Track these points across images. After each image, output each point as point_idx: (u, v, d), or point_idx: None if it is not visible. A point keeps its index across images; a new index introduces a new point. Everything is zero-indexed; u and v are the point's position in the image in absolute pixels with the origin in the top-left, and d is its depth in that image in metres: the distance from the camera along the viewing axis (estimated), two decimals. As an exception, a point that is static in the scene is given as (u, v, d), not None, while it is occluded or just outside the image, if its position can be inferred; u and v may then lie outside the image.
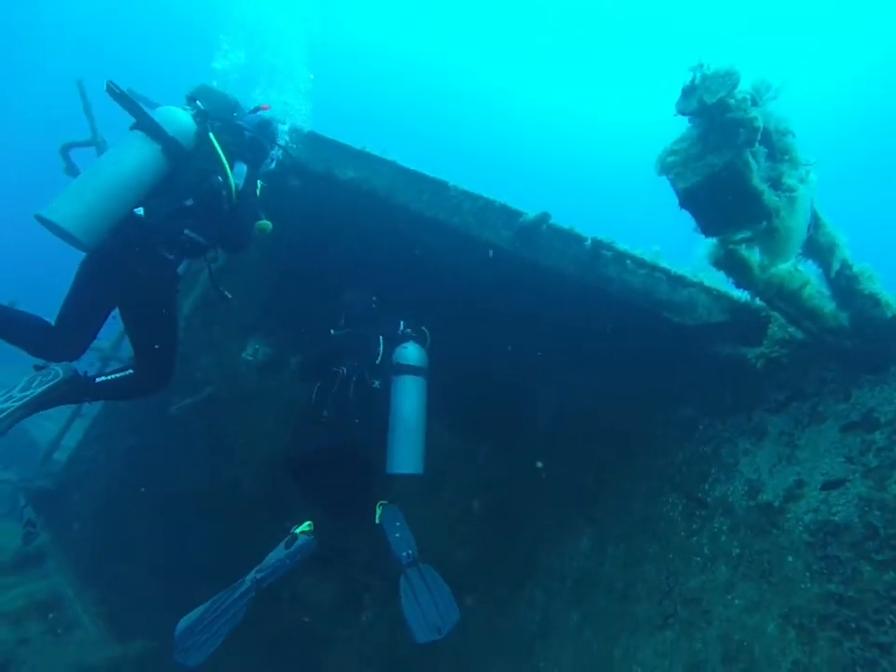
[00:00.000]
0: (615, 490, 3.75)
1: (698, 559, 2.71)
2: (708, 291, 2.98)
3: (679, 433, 3.43)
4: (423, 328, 4.09)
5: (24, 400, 2.57)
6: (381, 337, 3.96)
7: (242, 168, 3.30)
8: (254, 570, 3.29)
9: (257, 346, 3.94)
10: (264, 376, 4.46)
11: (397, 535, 3.70)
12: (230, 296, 3.53)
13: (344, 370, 3.71)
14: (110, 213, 2.69)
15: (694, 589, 2.60)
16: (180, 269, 3.18)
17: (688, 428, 3.36)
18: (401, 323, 4.10)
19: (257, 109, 3.59)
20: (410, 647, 4.73)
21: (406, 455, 3.69)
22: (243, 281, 4.43)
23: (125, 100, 2.88)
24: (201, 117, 3.13)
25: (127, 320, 3.10)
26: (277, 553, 3.39)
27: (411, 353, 3.90)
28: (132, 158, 2.81)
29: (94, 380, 3.00)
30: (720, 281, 3.00)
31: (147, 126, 2.87)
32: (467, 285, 3.75)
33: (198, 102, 3.20)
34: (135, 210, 2.81)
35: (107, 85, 2.85)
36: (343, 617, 4.61)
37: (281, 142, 3.74)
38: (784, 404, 2.75)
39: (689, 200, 1.74)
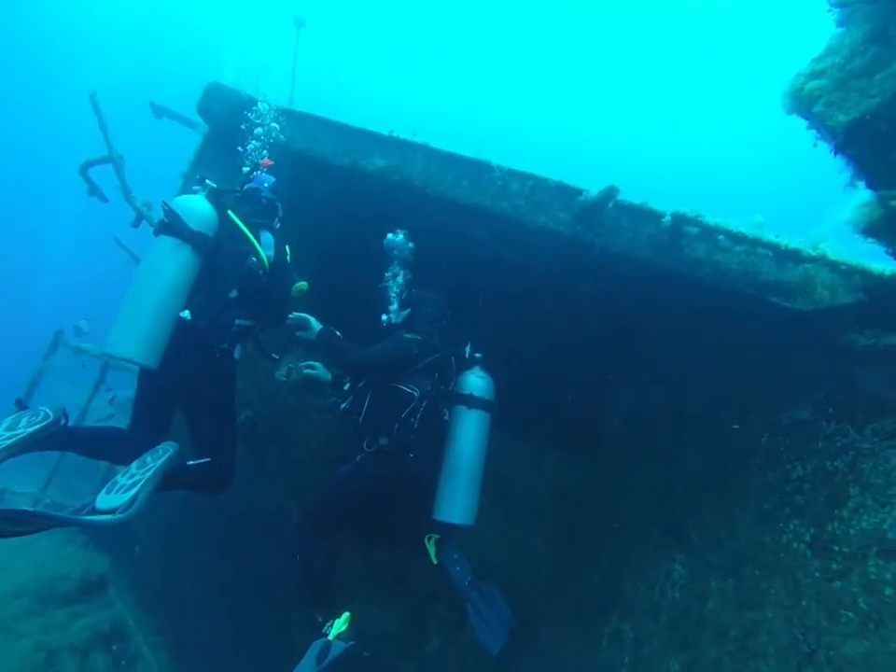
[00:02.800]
0: (711, 508, 3.16)
1: (851, 615, 2.11)
2: (833, 266, 2.33)
3: (794, 441, 2.80)
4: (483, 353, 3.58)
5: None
6: (453, 357, 3.46)
7: (268, 238, 3.12)
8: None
9: (290, 365, 3.58)
10: (304, 394, 4.12)
11: (457, 568, 3.29)
12: (277, 357, 3.37)
13: (417, 391, 3.18)
14: (163, 328, 2.71)
15: (856, 659, 2.01)
16: (237, 354, 3.09)
17: (807, 436, 2.72)
18: (468, 344, 3.56)
19: (255, 168, 3.33)
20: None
21: (460, 503, 3.22)
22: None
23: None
24: (214, 196, 2.95)
25: (194, 416, 2.99)
26: (307, 666, 2.71)
27: (482, 383, 3.39)
28: (168, 268, 2.74)
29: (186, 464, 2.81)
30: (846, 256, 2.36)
31: (172, 229, 2.77)
32: (522, 278, 3.24)
33: (207, 181, 2.99)
34: (181, 314, 2.74)
35: (151, 105, 2.72)
36: (408, 647, 4.25)
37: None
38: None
39: (853, 138, 1.16)
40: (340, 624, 2.88)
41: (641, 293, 3.01)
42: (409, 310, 3.48)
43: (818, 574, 2.36)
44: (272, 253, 3.05)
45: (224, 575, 5.17)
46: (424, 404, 3.18)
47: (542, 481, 4.31)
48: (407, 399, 3.15)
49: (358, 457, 3.21)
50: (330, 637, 2.79)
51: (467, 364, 3.49)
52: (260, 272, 2.98)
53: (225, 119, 3.69)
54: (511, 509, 4.31)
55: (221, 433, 3.01)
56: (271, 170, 3.40)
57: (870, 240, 1.60)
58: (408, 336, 3.30)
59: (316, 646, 2.75)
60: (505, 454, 4.34)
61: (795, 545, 2.53)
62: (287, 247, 3.16)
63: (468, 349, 3.54)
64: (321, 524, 3.17)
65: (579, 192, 2.87)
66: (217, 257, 2.88)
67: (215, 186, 2.97)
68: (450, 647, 4.29)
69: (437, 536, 3.33)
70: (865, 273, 2.26)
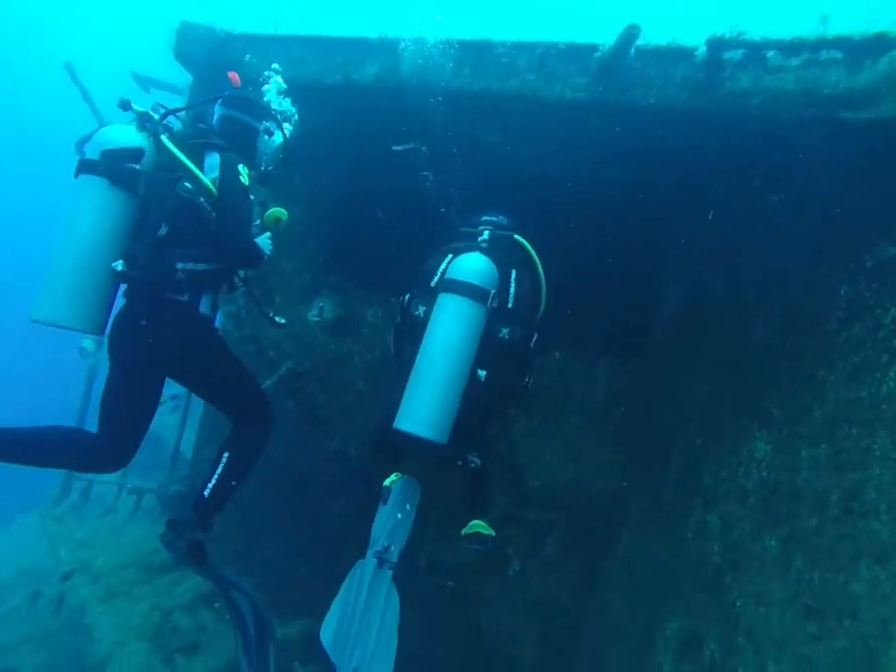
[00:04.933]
0: (789, 378, 2.90)
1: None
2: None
3: (883, 285, 2.47)
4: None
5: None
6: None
7: (213, 159, 2.58)
8: (370, 549, 2.87)
9: (321, 304, 3.46)
10: (342, 339, 4.02)
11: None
12: (282, 321, 3.04)
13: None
14: (95, 283, 2.34)
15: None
16: (205, 307, 2.56)
17: (896, 275, 2.40)
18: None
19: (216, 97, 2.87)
20: (572, 594, 4.35)
21: (420, 408, 2.57)
22: (289, 242, 3.96)
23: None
24: (144, 122, 2.50)
25: (189, 387, 2.77)
26: (380, 516, 2.90)
27: (471, 265, 2.70)
28: (88, 211, 2.38)
29: (203, 495, 2.62)
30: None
31: (89, 166, 2.38)
32: (545, 180, 2.97)
33: (133, 105, 2.51)
34: (114, 266, 2.33)
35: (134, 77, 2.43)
36: (489, 575, 4.24)
37: (275, 102, 3.00)
38: None
39: None
40: (392, 478, 3.04)
41: (679, 160, 2.69)
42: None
43: (931, 419, 2.10)
44: (216, 176, 2.51)
45: (300, 536, 5.28)
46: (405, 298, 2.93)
47: (597, 387, 4.12)
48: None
49: None
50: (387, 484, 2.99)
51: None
52: (201, 199, 2.45)
53: (206, 63, 3.48)
54: (569, 422, 4.15)
55: (231, 395, 2.71)
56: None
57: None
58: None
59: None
60: (554, 370, 4.17)
61: (899, 393, 2.26)
62: (244, 168, 2.59)
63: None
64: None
65: (594, 48, 2.54)
66: (150, 192, 2.46)
67: (143, 110, 2.51)
68: (531, 567, 4.26)
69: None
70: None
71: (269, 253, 2.80)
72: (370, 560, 2.85)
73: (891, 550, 2.09)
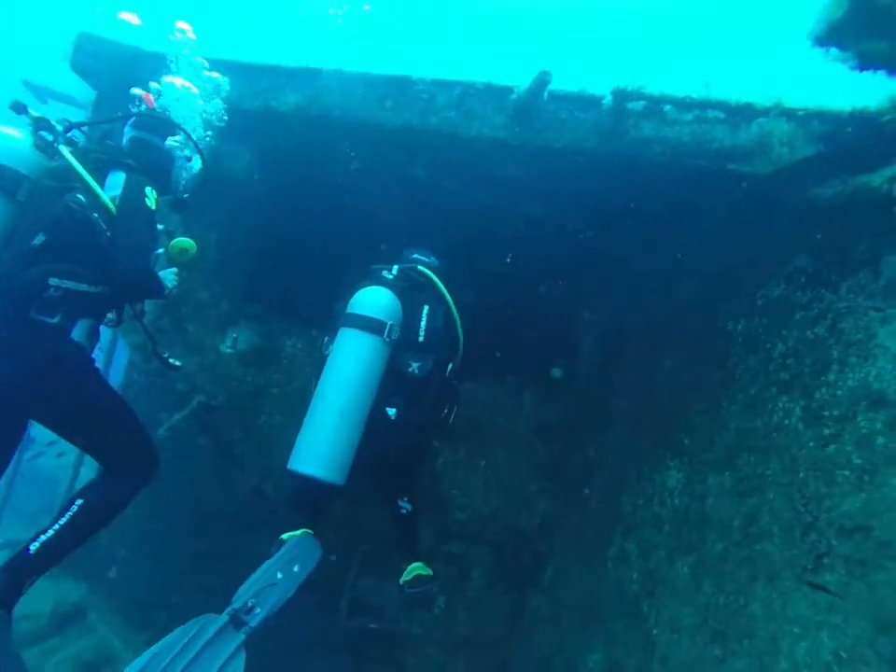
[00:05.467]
0: (697, 408, 3.06)
1: (847, 473, 2.01)
2: (790, 115, 2.17)
3: (771, 321, 2.68)
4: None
5: None
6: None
7: (117, 177, 2.36)
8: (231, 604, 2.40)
9: (235, 335, 3.29)
10: (260, 371, 3.84)
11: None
12: (178, 364, 2.80)
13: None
14: None
15: (854, 513, 1.91)
16: (79, 334, 2.23)
17: (783, 311, 2.61)
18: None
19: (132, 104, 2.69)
20: (499, 627, 4.28)
21: (312, 447, 2.42)
22: (205, 269, 3.77)
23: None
24: (40, 128, 2.29)
25: (49, 426, 2.30)
26: (259, 571, 2.49)
27: (368, 298, 2.63)
28: None
29: (28, 551, 2.13)
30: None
31: None
32: (464, 199, 3.01)
33: (30, 109, 2.32)
34: None
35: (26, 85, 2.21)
36: (415, 612, 4.10)
37: (185, 123, 2.80)
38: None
39: None
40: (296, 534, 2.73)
41: (594, 191, 2.82)
42: None
43: (811, 444, 2.26)
44: (117, 194, 2.29)
45: (212, 581, 4.92)
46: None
47: (523, 420, 4.17)
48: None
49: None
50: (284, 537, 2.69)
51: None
52: (94, 214, 2.22)
53: (110, 80, 3.30)
54: (494, 454, 4.16)
55: (99, 439, 2.35)
56: None
57: (832, 51, 1.42)
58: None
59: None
60: (480, 399, 4.18)
61: (787, 421, 2.43)
62: (152, 192, 2.40)
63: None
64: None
65: (510, 90, 2.64)
66: (31, 199, 2.22)
67: (39, 115, 2.30)
68: (457, 602, 4.17)
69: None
70: (823, 117, 2.11)
71: (171, 287, 2.59)
72: (219, 619, 2.33)
73: (781, 569, 2.21)
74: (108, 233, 2.23)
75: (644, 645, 2.86)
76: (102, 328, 2.46)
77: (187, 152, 2.79)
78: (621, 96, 2.34)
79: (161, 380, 3.76)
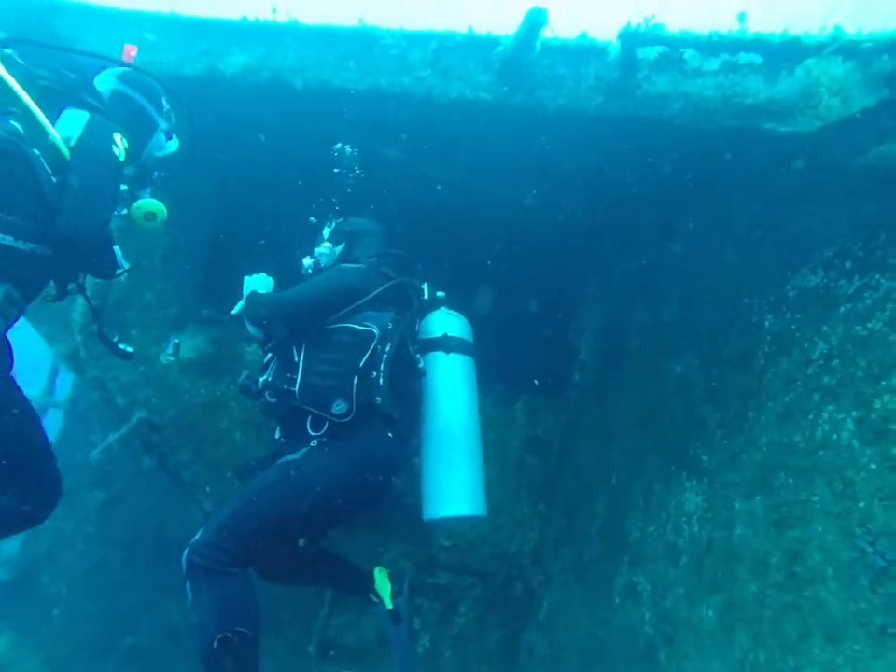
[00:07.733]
0: (717, 419, 2.62)
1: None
2: (850, 51, 1.72)
3: (807, 316, 2.26)
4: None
5: None
6: (411, 290, 2.69)
7: (77, 116, 1.97)
8: None
9: (177, 340, 2.80)
10: (214, 382, 3.35)
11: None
12: (130, 350, 2.41)
13: (375, 328, 2.33)
14: None
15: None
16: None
17: (822, 304, 2.18)
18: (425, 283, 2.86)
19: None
20: (489, 668, 3.81)
21: (463, 486, 2.48)
22: (151, 266, 3.29)
23: None
24: None
25: None
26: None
27: (456, 321, 2.68)
28: None
29: None
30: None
31: None
32: (453, 203, 2.59)
33: None
34: None
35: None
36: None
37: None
38: None
39: None
40: (382, 586, 2.69)
41: (596, 163, 2.39)
42: (343, 244, 2.71)
43: (873, 465, 1.83)
44: (74, 135, 1.90)
45: (174, 616, 4.42)
46: (388, 348, 2.32)
47: (514, 433, 3.71)
48: (364, 339, 2.27)
49: (304, 449, 2.28)
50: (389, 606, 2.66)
51: (429, 305, 2.74)
52: (36, 151, 1.81)
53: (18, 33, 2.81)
54: (488, 476, 3.70)
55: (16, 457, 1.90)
56: None
57: None
58: (348, 266, 2.57)
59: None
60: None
61: (836, 436, 1.99)
62: (124, 140, 2.01)
63: (425, 288, 2.78)
64: (252, 550, 2.18)
65: (495, 42, 2.20)
66: None
67: None
68: (443, 640, 3.69)
69: (387, 568, 2.79)
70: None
71: (124, 267, 2.11)
72: None
73: (844, 626, 1.76)
74: (54, 179, 1.83)
75: (663, 704, 2.40)
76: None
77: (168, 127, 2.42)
78: (630, 39, 1.90)
79: (99, 393, 3.26)
